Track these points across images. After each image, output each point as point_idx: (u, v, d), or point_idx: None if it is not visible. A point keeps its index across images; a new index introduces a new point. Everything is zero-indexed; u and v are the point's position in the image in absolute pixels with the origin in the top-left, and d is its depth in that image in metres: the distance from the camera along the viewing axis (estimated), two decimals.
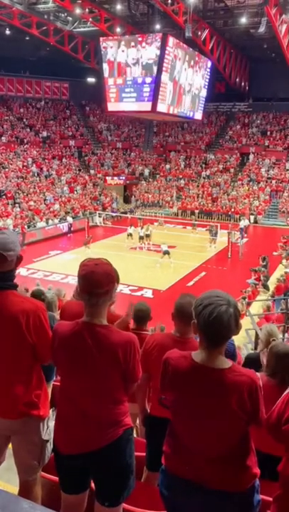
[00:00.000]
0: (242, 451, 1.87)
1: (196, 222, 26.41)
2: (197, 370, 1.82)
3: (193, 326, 1.84)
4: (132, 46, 19.61)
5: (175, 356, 1.94)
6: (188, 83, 21.87)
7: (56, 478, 2.28)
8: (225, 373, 1.80)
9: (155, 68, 19.30)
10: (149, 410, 2.91)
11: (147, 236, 22.43)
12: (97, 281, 2.04)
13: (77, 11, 26.03)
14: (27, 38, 31.10)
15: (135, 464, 2.23)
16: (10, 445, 2.40)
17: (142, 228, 23.37)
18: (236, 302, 1.84)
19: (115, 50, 19.98)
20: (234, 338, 2.22)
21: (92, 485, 2.24)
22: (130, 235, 23.10)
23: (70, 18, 29.28)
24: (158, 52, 19.06)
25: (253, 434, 1.90)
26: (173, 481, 1.93)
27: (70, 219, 26.62)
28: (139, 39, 19.72)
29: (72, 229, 25.99)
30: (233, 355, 3.05)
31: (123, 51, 19.87)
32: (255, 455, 1.92)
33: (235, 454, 1.85)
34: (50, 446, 2.33)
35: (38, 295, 4.93)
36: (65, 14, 28.88)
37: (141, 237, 22.48)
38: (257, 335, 7.26)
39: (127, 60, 19.79)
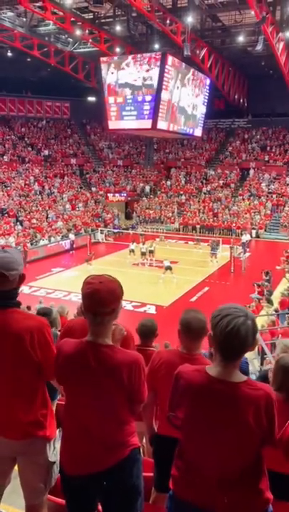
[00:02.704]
0: (254, 473, 1.81)
1: (200, 238, 26.47)
2: (212, 383, 1.78)
3: (209, 338, 1.80)
4: (122, 68, 19.91)
5: (188, 370, 1.90)
6: (181, 101, 21.98)
7: (63, 501, 2.22)
8: (241, 387, 1.76)
9: (144, 89, 19.58)
10: (156, 429, 2.85)
11: (151, 252, 22.45)
12: (101, 300, 2.00)
13: (78, 32, 26.53)
14: (28, 59, 31.67)
15: (143, 485, 2.17)
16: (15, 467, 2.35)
17: (143, 244, 23.41)
18: (254, 315, 1.80)
19: (105, 72, 20.35)
20: None
21: (100, 507, 2.18)
22: (132, 251, 23.14)
23: (70, 40, 29.84)
24: (145, 74, 19.38)
25: (264, 453, 1.85)
26: (182, 506, 1.87)
27: (72, 236, 26.73)
28: (131, 60, 19.99)
29: (74, 246, 26.06)
30: (245, 373, 2.99)
31: (112, 73, 20.20)
32: (267, 478, 1.85)
33: (248, 476, 1.79)
34: (56, 468, 2.28)
35: (43, 313, 4.89)
36: (66, 36, 29.44)
37: (143, 253, 22.49)
38: (263, 350, 7.18)
39: (117, 81, 20.10)
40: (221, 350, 1.77)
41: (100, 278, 2.06)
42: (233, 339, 1.71)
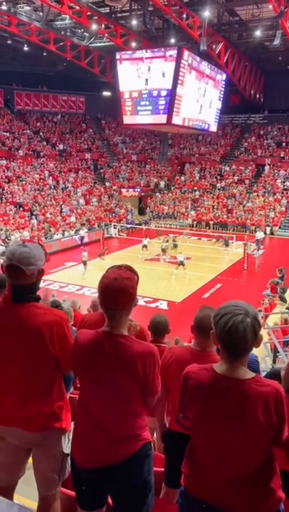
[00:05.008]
0: (266, 472, 1.80)
1: (217, 235, 26.36)
2: (219, 381, 1.79)
3: (212, 337, 1.81)
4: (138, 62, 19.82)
5: (195, 369, 1.90)
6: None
7: (74, 494, 2.24)
8: (249, 383, 1.76)
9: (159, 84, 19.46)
10: (168, 425, 2.86)
11: (175, 246, 22.48)
12: (113, 298, 2.03)
13: (94, 26, 26.49)
14: (44, 54, 31.75)
15: (154, 480, 2.18)
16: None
17: (160, 239, 23.43)
18: (256, 313, 1.79)
19: (121, 67, 20.31)
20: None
21: (110, 501, 2.20)
22: (145, 246, 23.13)
23: (86, 34, 29.82)
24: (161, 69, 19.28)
25: (276, 452, 1.84)
26: (193, 503, 1.87)
27: (82, 232, 26.70)
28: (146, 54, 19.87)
29: (83, 241, 26.04)
30: (255, 371, 2.97)
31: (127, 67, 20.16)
32: (279, 477, 1.85)
33: (259, 475, 1.78)
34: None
35: (54, 306, 4.93)
36: (82, 30, 29.43)
37: (163, 250, 22.43)
38: (276, 348, 7.14)
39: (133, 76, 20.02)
40: (224, 348, 1.79)
41: (117, 273, 2.07)
42: (233, 337, 1.72)
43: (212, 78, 22.49)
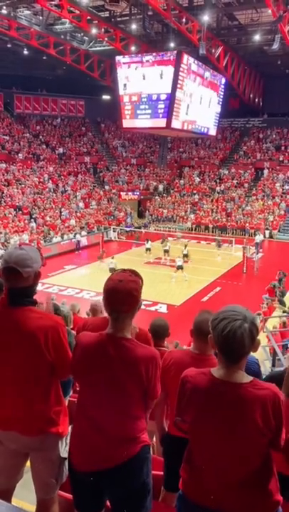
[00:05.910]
0: (264, 475, 1.80)
1: (220, 238, 26.37)
2: (217, 385, 1.79)
3: (210, 341, 1.82)
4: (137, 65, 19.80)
5: (193, 373, 1.91)
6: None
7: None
8: (246, 387, 1.76)
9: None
10: (167, 429, 2.86)
11: (166, 251, 22.52)
12: (118, 299, 2.04)
13: (93, 30, 26.58)
14: (44, 58, 31.82)
15: (152, 483, 2.18)
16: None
17: (162, 242, 23.54)
18: (255, 318, 1.80)
19: (120, 71, 20.26)
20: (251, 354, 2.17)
21: (108, 504, 2.19)
22: (149, 249, 23.10)
23: (86, 38, 29.94)
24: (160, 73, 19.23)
25: (273, 455, 1.84)
26: (191, 507, 1.87)
27: (78, 236, 26.62)
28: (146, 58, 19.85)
29: (80, 246, 25.99)
30: (257, 374, 2.96)
31: (127, 72, 20.14)
32: (277, 480, 1.85)
33: (257, 478, 1.78)
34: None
35: (54, 309, 4.91)
36: (82, 34, 29.53)
37: (166, 251, 22.45)
38: (275, 351, 7.15)
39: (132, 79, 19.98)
40: (221, 352, 1.79)
41: (122, 276, 2.08)
42: (231, 343, 1.73)
43: (200, 75, 22.15)
